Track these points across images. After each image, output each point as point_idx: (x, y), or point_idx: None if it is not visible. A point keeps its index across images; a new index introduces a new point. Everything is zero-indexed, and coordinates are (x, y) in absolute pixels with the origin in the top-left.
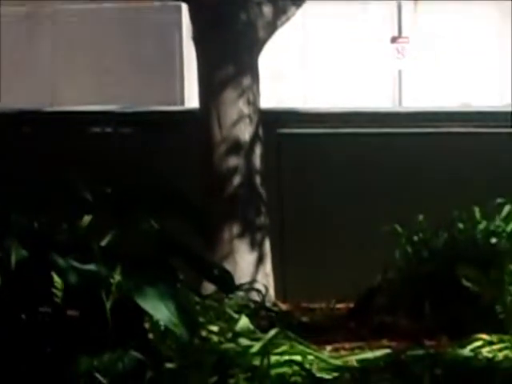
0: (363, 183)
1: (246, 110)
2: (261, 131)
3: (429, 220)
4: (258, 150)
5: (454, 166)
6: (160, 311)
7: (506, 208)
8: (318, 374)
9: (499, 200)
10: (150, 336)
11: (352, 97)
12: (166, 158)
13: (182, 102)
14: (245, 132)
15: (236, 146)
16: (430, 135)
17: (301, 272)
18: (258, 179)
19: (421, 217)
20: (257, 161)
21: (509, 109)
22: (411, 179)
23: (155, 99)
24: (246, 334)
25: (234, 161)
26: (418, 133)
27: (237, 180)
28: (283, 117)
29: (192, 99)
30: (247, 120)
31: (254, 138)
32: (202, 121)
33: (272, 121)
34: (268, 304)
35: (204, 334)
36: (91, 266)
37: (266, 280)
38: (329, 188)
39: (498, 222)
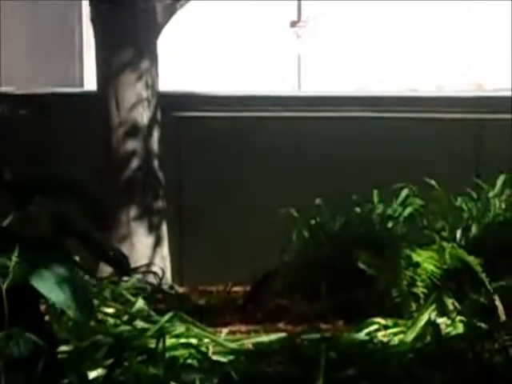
0: (262, 167)
1: (144, 93)
2: (159, 114)
3: (327, 204)
4: (156, 134)
5: (351, 149)
6: (55, 294)
7: (403, 192)
8: (214, 357)
9: (397, 184)
10: (46, 318)
11: (254, 82)
12: (64, 141)
13: (81, 85)
14: (143, 115)
15: (134, 129)
16: (331, 119)
17: (198, 255)
18: (155, 162)
19: (318, 201)
20: (155, 144)
21: (411, 94)
22: (310, 163)
23: (53, 81)
24: (142, 316)
25: (131, 144)
26: (316, 117)
27: (134, 163)
28: (182, 100)
29: (91, 81)
30: (145, 103)
31: (152, 121)
32: (100, 103)
33: (171, 104)
34: (165, 287)
35: (100, 316)
36: None
37: (162, 263)
38: (227, 172)
39: (395, 206)
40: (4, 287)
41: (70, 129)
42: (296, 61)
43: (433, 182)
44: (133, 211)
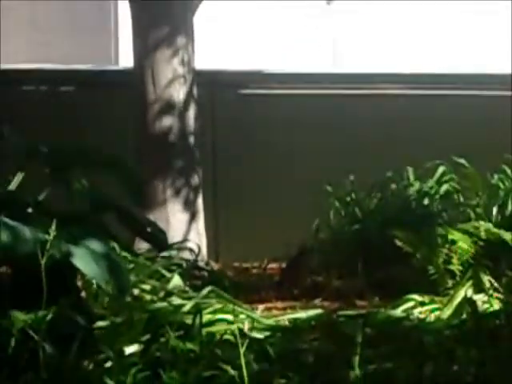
0: (299, 144)
1: (180, 69)
2: (195, 91)
3: (364, 181)
4: (192, 110)
5: (390, 127)
6: (92, 269)
7: (440, 169)
8: (250, 333)
9: (433, 162)
10: (83, 294)
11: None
12: (100, 117)
13: (117, 62)
14: (179, 91)
15: (170, 106)
16: (367, 96)
17: (234, 232)
18: (191, 139)
19: (352, 177)
20: (191, 121)
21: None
22: (347, 141)
23: (90, 58)
24: (178, 292)
25: (167, 120)
26: (353, 94)
27: (170, 139)
28: (219, 77)
29: (127, 59)
30: (182, 79)
31: (189, 97)
32: (136, 80)
33: (208, 81)
34: (200, 263)
35: (136, 292)
36: (25, 224)
37: (198, 239)
38: (264, 149)
39: (431, 183)
40: (43, 263)
41: (107, 105)
42: (331, 38)
43: (469, 160)
44: (169, 187)
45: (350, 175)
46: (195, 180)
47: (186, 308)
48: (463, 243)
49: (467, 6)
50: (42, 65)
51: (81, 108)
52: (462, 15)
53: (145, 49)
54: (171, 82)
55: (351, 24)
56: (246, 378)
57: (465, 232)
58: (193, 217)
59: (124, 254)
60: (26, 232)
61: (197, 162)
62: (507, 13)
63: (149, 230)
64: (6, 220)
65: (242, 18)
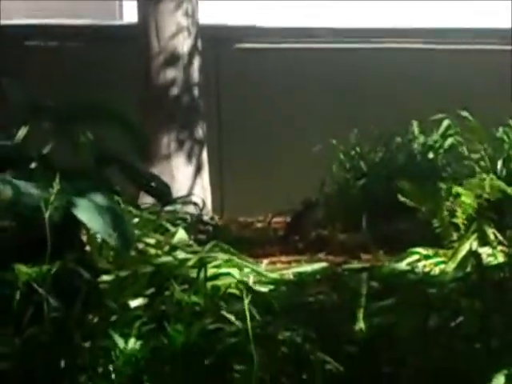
0: (303, 99)
1: (184, 21)
2: (199, 44)
3: (368, 136)
4: (196, 63)
5: (392, 81)
6: (96, 223)
7: (444, 123)
8: (255, 287)
9: (438, 115)
10: (88, 248)
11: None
12: (104, 71)
13: (121, 16)
14: (183, 44)
15: (174, 58)
16: (367, 50)
17: (239, 186)
18: (195, 92)
19: (356, 131)
20: (195, 73)
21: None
22: (350, 96)
23: (93, 13)
24: (182, 246)
25: (171, 72)
26: (355, 48)
27: (174, 92)
28: (224, 32)
29: (131, 14)
30: (185, 32)
31: (193, 50)
32: (140, 33)
33: (212, 35)
34: (205, 217)
35: (141, 246)
36: (29, 178)
37: (203, 193)
38: (268, 103)
39: (435, 136)
40: (46, 217)
41: (111, 60)
42: None
43: (473, 113)
44: (173, 141)
45: (353, 129)
46: (199, 133)
47: (191, 262)
48: (468, 196)
49: None
50: (44, 20)
51: (84, 63)
52: None
53: (148, 1)
54: (175, 34)
55: None
56: (250, 331)
57: (470, 185)
58: (197, 171)
59: (128, 208)
60: (30, 186)
61: (201, 115)
62: None
63: (153, 184)
64: (10, 175)
65: None
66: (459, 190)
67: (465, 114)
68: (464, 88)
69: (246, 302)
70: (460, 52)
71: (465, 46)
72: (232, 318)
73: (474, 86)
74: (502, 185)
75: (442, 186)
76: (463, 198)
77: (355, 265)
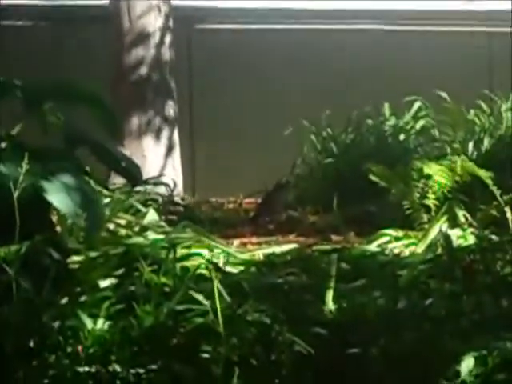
0: (274, 80)
1: (155, 0)
2: (171, 23)
3: (339, 117)
4: (167, 42)
5: (363, 63)
6: (65, 203)
7: (416, 105)
8: (225, 268)
9: (410, 97)
10: (58, 229)
11: None
12: (77, 51)
13: None
14: (155, 23)
15: (145, 37)
16: (341, 32)
17: (211, 167)
18: (166, 71)
19: (327, 112)
20: (166, 53)
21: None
22: (321, 76)
23: None
24: (153, 227)
25: (142, 51)
26: (329, 29)
27: (144, 70)
28: (196, 12)
29: None
30: (156, 10)
31: (164, 29)
32: (111, 12)
33: (185, 16)
34: (176, 198)
35: (111, 227)
36: None
37: (174, 174)
38: (240, 83)
39: (407, 118)
40: (15, 197)
41: (84, 40)
42: None
43: (445, 95)
44: (144, 120)
45: (325, 110)
46: (170, 114)
47: (161, 242)
48: (439, 177)
49: None
50: (19, 0)
51: (56, 44)
52: None
53: None
54: (146, 12)
55: None
56: (219, 312)
57: (441, 167)
58: (169, 151)
59: (99, 188)
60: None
61: (172, 95)
62: None
63: (123, 164)
64: None
65: None
66: (430, 170)
67: (441, 94)
68: (439, 70)
69: (216, 282)
70: (434, 33)
71: (439, 28)
72: (201, 298)
73: (448, 68)
74: (473, 166)
75: (413, 166)
76: (435, 177)
77: (325, 246)
